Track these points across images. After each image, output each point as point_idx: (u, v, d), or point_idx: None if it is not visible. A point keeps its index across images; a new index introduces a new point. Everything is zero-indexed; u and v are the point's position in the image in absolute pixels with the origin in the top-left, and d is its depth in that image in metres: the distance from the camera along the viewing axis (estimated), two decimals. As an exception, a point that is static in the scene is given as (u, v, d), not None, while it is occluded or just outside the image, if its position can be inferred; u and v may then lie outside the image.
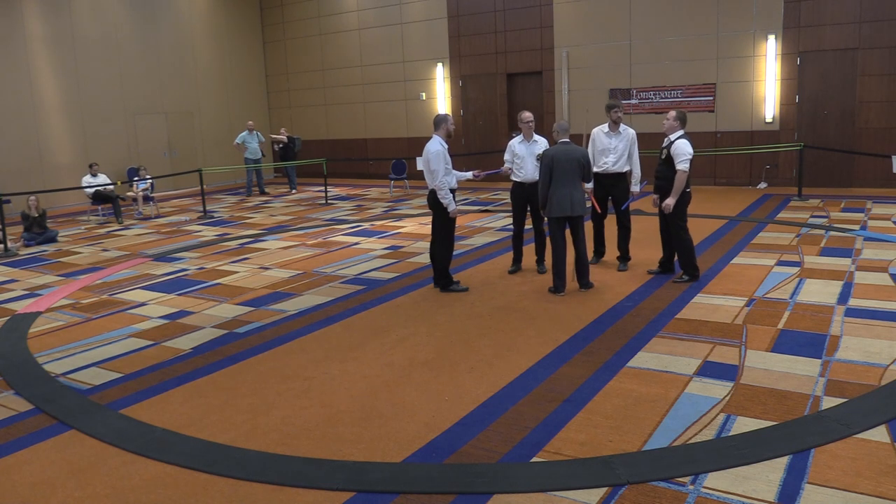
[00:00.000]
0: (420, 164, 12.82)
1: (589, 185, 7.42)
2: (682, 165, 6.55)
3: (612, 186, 7.46)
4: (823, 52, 12.61)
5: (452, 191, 6.72)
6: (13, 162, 14.22)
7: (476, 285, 7.05)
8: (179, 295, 7.27)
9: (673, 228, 6.78)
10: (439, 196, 6.60)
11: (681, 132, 6.68)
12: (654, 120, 14.04)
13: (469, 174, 6.82)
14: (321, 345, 5.49)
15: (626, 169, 7.46)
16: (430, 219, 6.84)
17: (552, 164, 6.49)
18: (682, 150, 6.55)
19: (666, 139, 6.78)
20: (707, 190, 13.25)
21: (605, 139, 7.46)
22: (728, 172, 13.70)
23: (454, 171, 6.84)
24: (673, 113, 6.76)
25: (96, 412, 4.39)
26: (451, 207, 6.62)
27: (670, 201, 6.62)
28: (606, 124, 7.49)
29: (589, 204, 7.12)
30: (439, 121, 6.72)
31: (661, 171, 6.80)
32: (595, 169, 7.50)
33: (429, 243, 7.03)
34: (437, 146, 6.59)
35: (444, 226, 6.75)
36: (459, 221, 10.71)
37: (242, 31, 19.05)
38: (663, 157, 6.77)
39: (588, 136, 7.82)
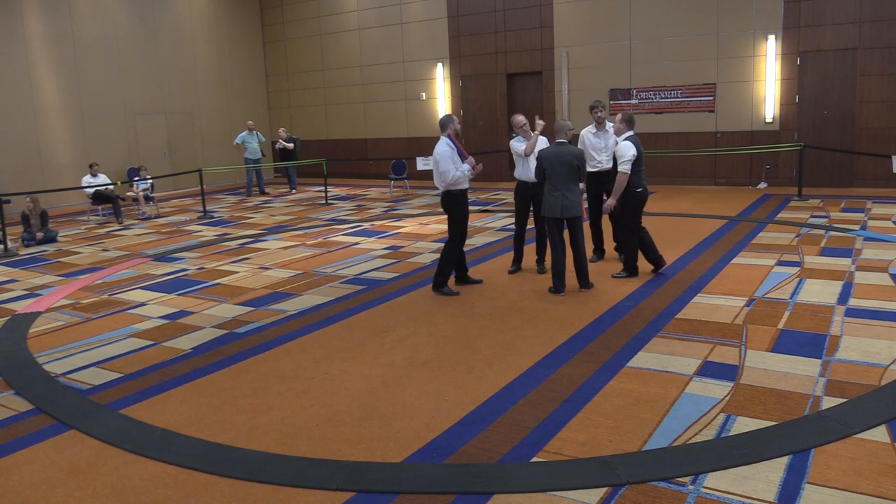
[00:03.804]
0: (420, 164, 12.92)
1: (580, 185, 7.52)
2: (624, 167, 6.74)
3: (608, 183, 7.60)
4: (823, 52, 12.61)
5: (466, 190, 6.80)
6: (13, 162, 14.22)
7: (476, 285, 7.05)
8: (179, 295, 7.27)
9: (621, 229, 7.02)
10: (461, 181, 6.63)
11: (628, 133, 6.87)
12: (655, 120, 14.07)
13: (467, 167, 6.79)
14: (321, 345, 5.49)
15: None
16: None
17: (544, 164, 6.53)
18: (625, 152, 6.74)
19: (615, 141, 7.04)
20: (707, 190, 13.25)
21: (592, 139, 7.69)
22: (728, 172, 13.70)
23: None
24: (619, 115, 6.99)
25: (96, 412, 4.39)
26: (468, 168, 6.69)
27: (611, 202, 6.85)
28: (593, 125, 7.68)
29: (586, 205, 7.17)
30: (446, 122, 6.78)
31: (612, 173, 7.08)
32: (590, 168, 7.65)
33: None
34: (444, 147, 6.63)
35: (456, 225, 6.78)
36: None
37: (242, 31, 19.05)
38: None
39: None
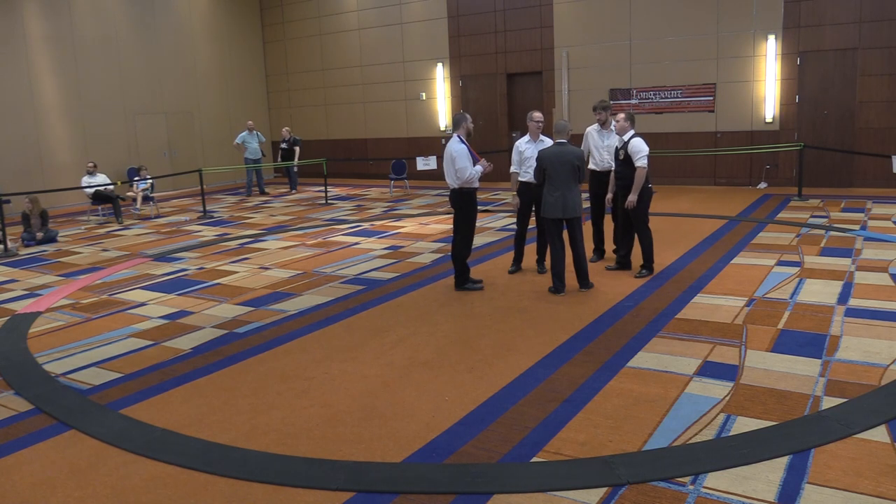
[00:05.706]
0: (420, 164, 12.91)
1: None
2: (641, 162, 6.82)
3: (623, 178, 7.59)
4: (823, 52, 12.61)
5: (476, 190, 6.80)
6: (13, 162, 14.21)
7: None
8: (179, 295, 7.27)
9: (637, 225, 7.03)
10: (473, 180, 6.63)
11: (633, 131, 6.97)
12: (655, 120, 14.06)
13: (480, 168, 6.80)
14: (321, 345, 5.49)
15: None
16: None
17: (544, 164, 6.54)
18: (639, 148, 6.84)
19: (620, 140, 7.07)
20: (707, 190, 13.25)
21: (597, 137, 7.76)
22: (728, 172, 13.70)
23: None
24: (622, 115, 7.06)
25: (96, 412, 4.39)
26: (481, 169, 6.70)
27: (633, 198, 6.86)
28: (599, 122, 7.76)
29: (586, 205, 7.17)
30: (459, 120, 6.83)
31: (620, 171, 7.10)
32: (592, 166, 7.71)
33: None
34: (460, 144, 6.65)
35: (466, 223, 6.78)
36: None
37: (242, 31, 19.05)
38: (621, 157, 7.05)
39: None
